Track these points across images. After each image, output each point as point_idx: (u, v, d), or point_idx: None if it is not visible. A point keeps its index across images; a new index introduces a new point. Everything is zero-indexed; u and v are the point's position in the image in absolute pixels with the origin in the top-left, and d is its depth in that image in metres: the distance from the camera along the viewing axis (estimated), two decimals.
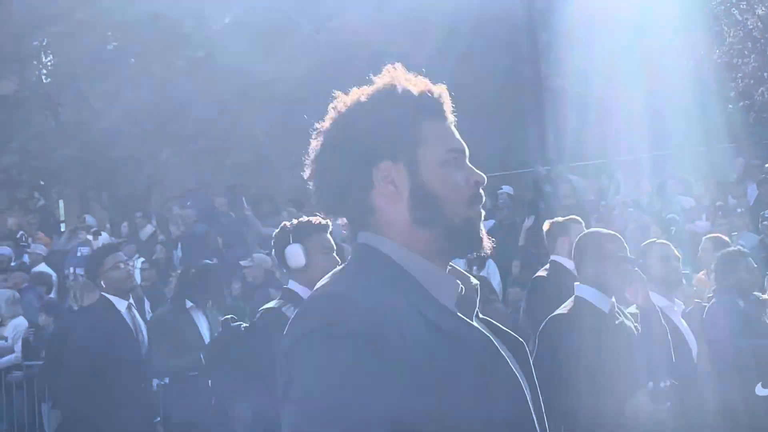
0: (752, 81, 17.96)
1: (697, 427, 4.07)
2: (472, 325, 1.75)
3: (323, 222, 4.23)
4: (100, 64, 17.19)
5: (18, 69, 18.10)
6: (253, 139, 17.97)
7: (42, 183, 18.07)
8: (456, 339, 1.67)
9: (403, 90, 1.83)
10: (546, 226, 6.08)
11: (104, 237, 14.49)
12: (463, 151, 1.84)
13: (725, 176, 14.52)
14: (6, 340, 10.31)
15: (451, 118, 1.88)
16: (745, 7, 18.57)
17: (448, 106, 1.88)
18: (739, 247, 6.19)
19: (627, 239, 4.19)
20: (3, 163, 17.43)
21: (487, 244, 1.83)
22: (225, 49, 16.68)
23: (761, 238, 10.55)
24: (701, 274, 7.43)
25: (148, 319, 7.49)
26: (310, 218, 4.27)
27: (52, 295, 12.12)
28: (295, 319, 1.70)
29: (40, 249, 13.99)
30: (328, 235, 4.23)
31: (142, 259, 13.49)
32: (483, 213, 1.84)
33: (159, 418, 6.53)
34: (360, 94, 1.85)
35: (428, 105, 1.84)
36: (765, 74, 18.16)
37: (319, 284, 1.78)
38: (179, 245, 14.12)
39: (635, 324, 3.89)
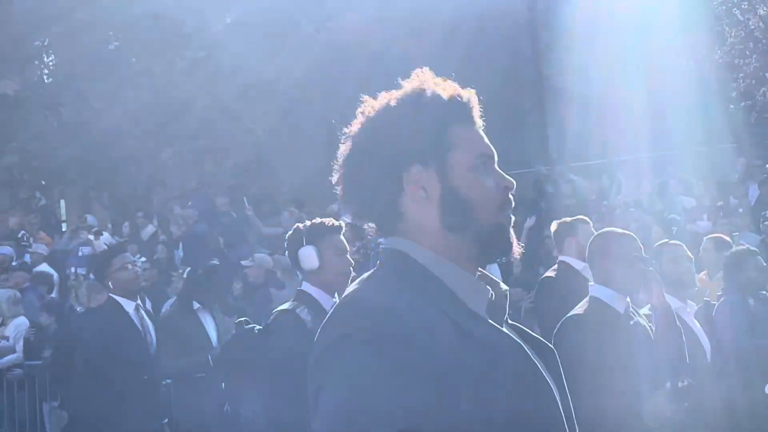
0: (754, 81, 17.97)
1: (711, 427, 4.07)
2: (503, 332, 1.74)
3: (336, 223, 4.23)
4: (101, 64, 17.20)
5: (19, 69, 18.10)
6: (254, 138, 17.98)
7: (43, 183, 18.04)
8: (486, 345, 1.66)
9: (432, 94, 1.82)
10: (554, 226, 6.07)
11: (105, 237, 14.49)
12: (492, 156, 1.84)
13: (726, 176, 14.55)
14: (7, 340, 10.29)
15: (479, 122, 1.87)
16: (746, 7, 18.58)
17: (476, 110, 1.87)
18: (747, 246, 6.19)
19: None
20: (4, 163, 17.41)
21: (517, 249, 1.83)
22: (226, 49, 16.71)
23: (762, 238, 10.55)
24: (702, 275, 7.43)
25: None
26: (323, 220, 4.26)
27: (53, 295, 12.11)
28: (325, 326, 1.70)
29: (42, 249, 13.97)
30: (342, 237, 4.22)
31: (143, 258, 13.47)
32: (513, 218, 1.83)
33: (167, 420, 6.50)
34: (389, 98, 1.84)
35: (458, 109, 1.83)
36: (766, 74, 18.17)
37: (348, 290, 1.77)
38: (180, 245, 14.12)
39: (649, 324, 3.89)
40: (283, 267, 11.57)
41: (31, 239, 14.52)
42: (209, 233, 13.84)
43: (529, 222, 12.40)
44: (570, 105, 17.30)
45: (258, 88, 17.03)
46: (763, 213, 11.42)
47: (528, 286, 9.24)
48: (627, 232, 4.03)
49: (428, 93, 1.82)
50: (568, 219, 6.06)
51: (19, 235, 14.43)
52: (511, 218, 1.82)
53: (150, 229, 15.23)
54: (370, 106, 1.85)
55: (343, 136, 1.87)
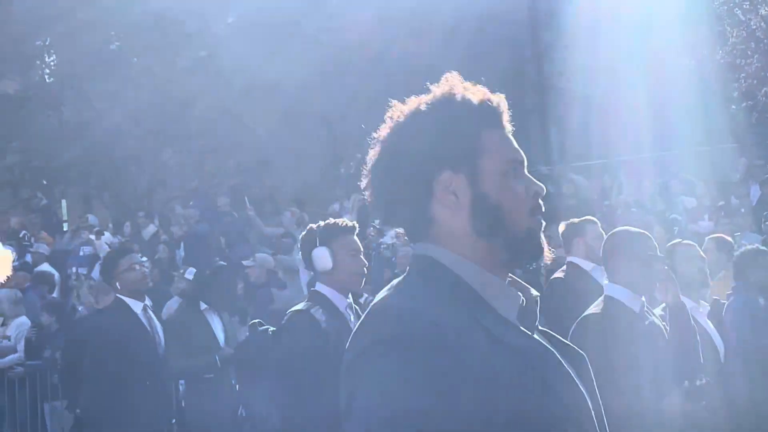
0: (755, 81, 17.96)
1: (725, 427, 4.07)
2: (534, 338, 1.73)
3: (350, 224, 4.24)
4: (102, 64, 17.23)
5: (20, 69, 18.12)
6: (255, 138, 17.99)
7: (45, 182, 18.08)
8: (517, 352, 1.64)
9: (462, 99, 1.80)
10: (561, 227, 6.06)
11: (107, 237, 14.51)
12: (522, 162, 1.83)
13: (728, 176, 14.58)
14: (9, 340, 10.28)
15: (508, 127, 1.86)
16: (748, 7, 18.56)
17: (506, 115, 1.85)
18: (757, 245, 6.19)
19: None
20: (6, 163, 17.45)
21: (548, 254, 1.82)
22: (227, 50, 16.71)
23: (764, 238, 10.55)
24: None
25: None
26: (337, 220, 4.27)
27: (54, 295, 12.11)
28: (357, 332, 1.69)
29: (43, 248, 13.99)
30: (355, 237, 4.22)
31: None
32: (543, 223, 1.82)
33: (174, 420, 6.50)
34: (419, 103, 1.82)
35: (488, 114, 1.82)
36: None
37: (378, 296, 1.77)
38: (182, 245, 14.12)
39: (663, 324, 3.89)
40: (285, 267, 11.59)
41: (33, 239, 14.54)
42: (210, 233, 13.85)
43: None
44: (571, 105, 17.31)
45: (259, 89, 17.03)
46: (764, 213, 11.43)
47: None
48: (642, 231, 4.02)
49: (458, 98, 1.80)
50: (576, 220, 6.05)
51: (21, 235, 14.44)
52: (542, 223, 1.81)
53: (151, 228, 15.23)
54: (399, 111, 1.84)
55: (372, 141, 1.86)
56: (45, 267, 13.00)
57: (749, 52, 18.17)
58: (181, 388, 7.00)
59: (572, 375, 1.73)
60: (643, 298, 3.85)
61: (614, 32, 16.51)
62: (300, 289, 11.25)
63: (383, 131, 1.85)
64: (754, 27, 18.16)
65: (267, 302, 10.38)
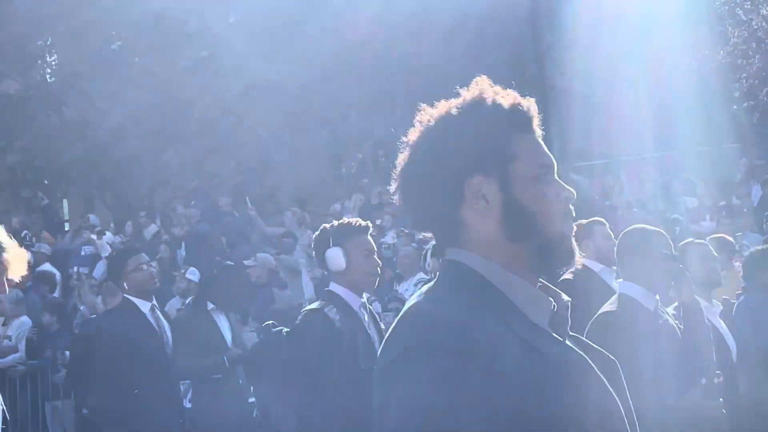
0: (757, 81, 17.97)
1: (741, 426, 4.08)
2: (565, 344, 1.72)
3: (363, 224, 4.24)
4: (103, 63, 17.23)
5: (22, 68, 18.10)
6: (256, 138, 17.98)
7: (46, 182, 18.09)
8: (550, 359, 1.64)
9: (493, 103, 1.79)
10: None
11: (108, 236, 14.52)
12: (553, 166, 1.82)
13: (729, 176, 14.60)
14: (10, 340, 10.29)
15: (538, 131, 1.85)
16: (749, 7, 18.56)
17: (536, 119, 1.84)
18: (766, 246, 6.20)
19: None
20: (7, 163, 17.44)
21: (579, 259, 1.81)
22: (229, 49, 16.70)
23: (765, 238, 10.57)
24: None
25: None
26: (350, 220, 4.27)
27: (55, 295, 12.11)
28: (388, 340, 1.69)
29: (44, 248, 13.99)
30: (369, 237, 4.23)
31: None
32: (574, 228, 1.81)
33: (181, 420, 6.48)
34: (449, 107, 1.81)
35: (519, 118, 1.81)
36: None
37: (409, 302, 1.76)
38: (183, 245, 14.13)
39: (676, 322, 3.89)
40: (286, 267, 11.59)
41: (34, 239, 14.54)
42: (212, 233, 13.85)
43: None
44: (572, 105, 17.27)
45: (260, 89, 17.02)
46: (765, 213, 11.45)
47: None
48: (657, 229, 4.01)
49: (489, 102, 1.79)
50: (584, 221, 6.03)
51: (22, 235, 14.41)
52: (573, 228, 1.80)
53: (153, 228, 15.23)
54: (429, 114, 1.82)
55: (402, 145, 1.85)
56: (46, 267, 13.00)
57: (751, 52, 18.18)
58: (181, 387, 6.98)
59: (604, 381, 1.72)
60: (657, 297, 3.85)
61: (615, 32, 16.51)
62: (301, 289, 11.27)
63: (413, 135, 1.83)
64: (756, 27, 18.16)
65: (268, 302, 10.40)
